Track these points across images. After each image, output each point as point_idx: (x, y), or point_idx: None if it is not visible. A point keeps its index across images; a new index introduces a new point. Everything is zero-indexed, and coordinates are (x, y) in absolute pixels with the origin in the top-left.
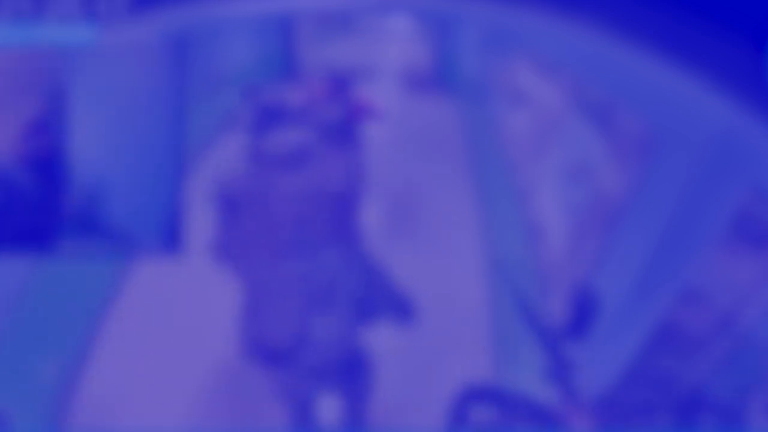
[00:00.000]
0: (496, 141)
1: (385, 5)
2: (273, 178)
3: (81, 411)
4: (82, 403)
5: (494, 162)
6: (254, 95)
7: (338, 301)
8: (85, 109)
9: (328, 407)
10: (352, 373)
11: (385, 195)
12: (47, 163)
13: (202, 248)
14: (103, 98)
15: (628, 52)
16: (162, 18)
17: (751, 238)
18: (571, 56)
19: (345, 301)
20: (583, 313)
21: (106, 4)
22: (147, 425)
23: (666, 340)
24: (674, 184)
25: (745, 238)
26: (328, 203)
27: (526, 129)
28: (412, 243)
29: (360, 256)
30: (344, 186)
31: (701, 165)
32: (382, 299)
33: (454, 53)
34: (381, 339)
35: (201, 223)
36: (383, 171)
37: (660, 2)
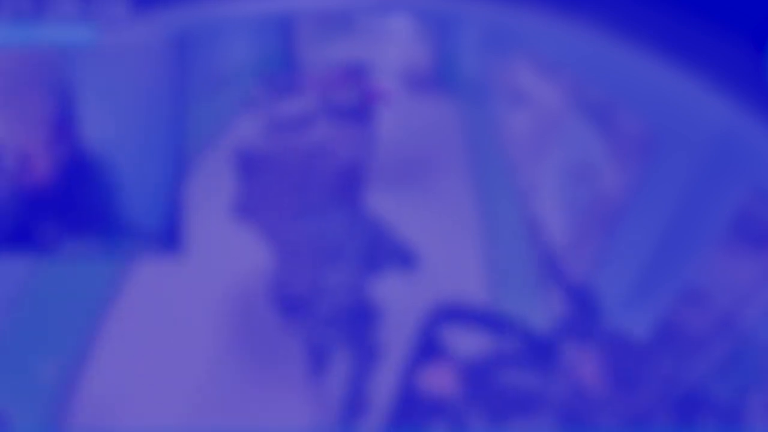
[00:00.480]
0: (496, 141)
1: (385, 5)
2: (287, 145)
3: (81, 411)
4: (82, 403)
5: (494, 162)
6: (270, 81)
7: (346, 255)
8: (85, 110)
9: (342, 358)
10: (361, 319)
11: (390, 166)
12: (59, 161)
13: (225, 211)
14: (103, 98)
15: (628, 52)
16: (162, 18)
17: (751, 238)
18: (571, 56)
19: (353, 255)
20: (583, 313)
21: (106, 4)
22: (147, 425)
23: (666, 340)
24: (674, 184)
25: (745, 238)
26: (337, 169)
27: (526, 129)
28: (414, 204)
29: (365, 215)
30: (351, 155)
31: (701, 165)
32: (386, 252)
33: (454, 53)
34: (387, 288)
35: (223, 188)
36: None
37: (660, 2)
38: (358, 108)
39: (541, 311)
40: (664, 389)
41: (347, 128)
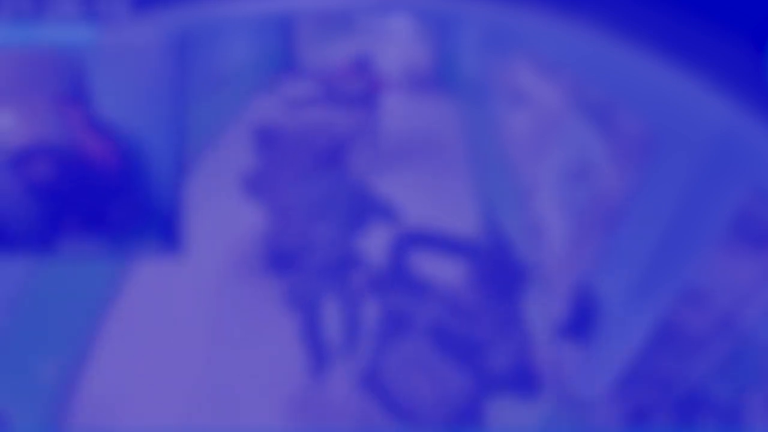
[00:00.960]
0: (496, 141)
1: (385, 5)
2: (292, 122)
3: (81, 411)
4: (82, 403)
5: (494, 162)
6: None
7: (334, 214)
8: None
9: (332, 309)
10: (349, 270)
11: (389, 157)
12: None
13: (236, 181)
14: (102, 99)
15: (628, 52)
16: (162, 18)
17: (751, 238)
18: (571, 56)
19: (340, 214)
20: (583, 313)
21: (106, 4)
22: (147, 425)
23: (666, 340)
24: (674, 184)
25: (745, 238)
26: (331, 142)
27: (526, 129)
28: (413, 189)
29: (351, 183)
30: (346, 130)
31: (701, 165)
32: (370, 210)
33: (454, 53)
34: (372, 242)
35: (237, 159)
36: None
37: (660, 2)
38: (362, 95)
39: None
40: (664, 389)
41: (349, 110)
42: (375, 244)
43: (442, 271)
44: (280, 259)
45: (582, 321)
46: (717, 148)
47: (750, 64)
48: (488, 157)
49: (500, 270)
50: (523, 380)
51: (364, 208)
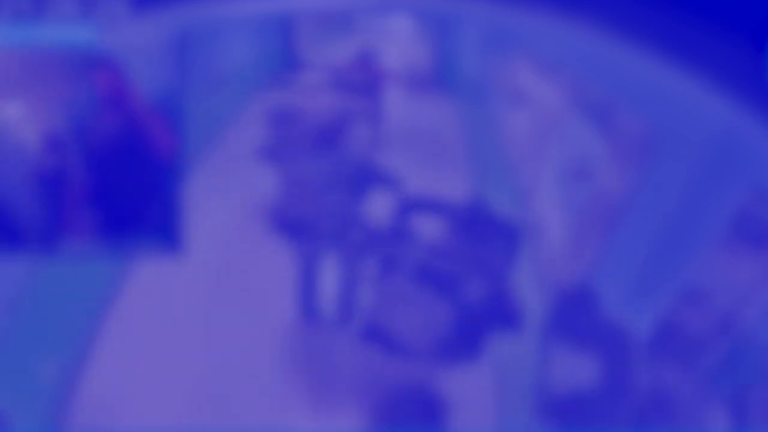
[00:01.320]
0: (496, 141)
1: (385, 5)
2: (301, 104)
3: (81, 411)
4: (82, 403)
5: (494, 162)
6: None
7: (337, 182)
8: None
9: (330, 264)
10: (350, 232)
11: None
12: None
13: (251, 152)
14: None
15: (628, 52)
16: (162, 18)
17: (751, 238)
18: (571, 56)
19: (342, 182)
20: (583, 313)
21: (106, 4)
22: (147, 425)
23: (666, 340)
24: (674, 184)
25: (745, 238)
26: (339, 125)
27: (526, 129)
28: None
29: (350, 159)
30: (352, 114)
31: (701, 165)
32: (371, 177)
33: (454, 53)
34: (373, 207)
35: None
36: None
37: (660, 2)
38: (366, 84)
39: None
40: (663, 389)
41: (353, 96)
42: (377, 208)
43: (431, 226)
44: (291, 224)
45: (581, 321)
46: (717, 148)
47: (750, 64)
48: (488, 157)
49: (484, 225)
50: (502, 312)
51: (368, 179)
